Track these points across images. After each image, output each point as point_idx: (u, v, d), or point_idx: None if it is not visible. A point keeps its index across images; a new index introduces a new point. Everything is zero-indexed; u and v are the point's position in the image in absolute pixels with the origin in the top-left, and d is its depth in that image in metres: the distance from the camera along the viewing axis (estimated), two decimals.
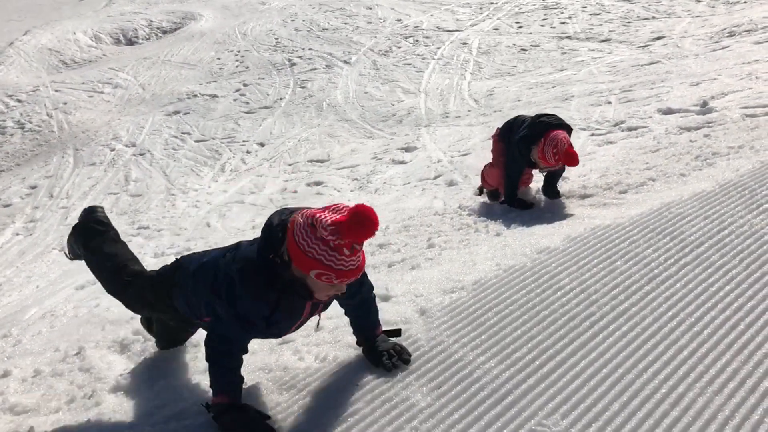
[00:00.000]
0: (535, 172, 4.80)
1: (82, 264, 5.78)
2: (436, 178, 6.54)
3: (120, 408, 2.66)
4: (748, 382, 2.48)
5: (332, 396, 2.50)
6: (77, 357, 3.27)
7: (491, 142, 5.04)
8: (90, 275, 5.30)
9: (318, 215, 2.06)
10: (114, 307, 4.14)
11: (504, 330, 2.80)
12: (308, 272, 2.09)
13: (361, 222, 1.97)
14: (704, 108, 6.35)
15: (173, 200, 7.58)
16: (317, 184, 7.16)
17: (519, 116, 4.86)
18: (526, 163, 4.58)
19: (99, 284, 4.92)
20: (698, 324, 2.78)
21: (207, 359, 2.35)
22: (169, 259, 5.25)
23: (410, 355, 2.61)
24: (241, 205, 6.98)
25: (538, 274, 3.21)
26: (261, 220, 6.37)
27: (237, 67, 12.22)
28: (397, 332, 2.71)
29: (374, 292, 2.65)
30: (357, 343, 2.69)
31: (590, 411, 2.36)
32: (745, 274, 3.12)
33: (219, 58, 12.75)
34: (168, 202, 7.55)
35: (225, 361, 2.33)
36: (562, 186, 4.93)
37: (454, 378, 2.52)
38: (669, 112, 6.58)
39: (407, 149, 7.80)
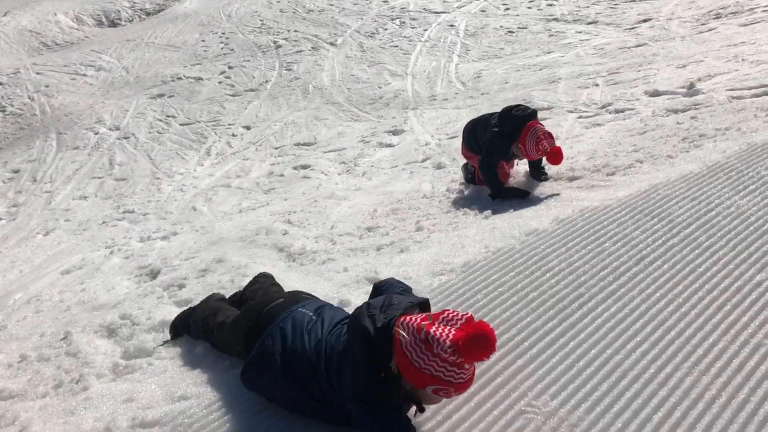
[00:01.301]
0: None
1: (66, 248, 5.75)
2: (424, 161, 6.51)
3: (108, 392, 2.64)
4: (734, 362, 2.50)
5: None
6: (64, 342, 3.25)
7: (464, 157, 5.07)
8: (75, 259, 5.27)
9: (432, 331, 1.95)
10: (101, 291, 4.12)
11: (493, 312, 2.80)
12: (424, 388, 2.00)
13: (481, 346, 1.90)
14: (691, 90, 6.36)
15: (158, 184, 7.50)
16: (304, 167, 7.11)
17: (477, 119, 4.86)
18: (501, 157, 4.56)
19: (85, 269, 4.90)
20: (686, 304, 2.80)
21: None
22: (156, 244, 5.25)
23: None
24: (228, 188, 6.92)
25: (527, 256, 3.21)
26: (247, 204, 6.35)
27: (222, 49, 12.07)
28: None
29: None
30: None
31: (579, 391, 2.37)
32: (731, 255, 3.14)
33: (203, 41, 12.59)
34: (153, 186, 7.47)
35: None
36: (550, 169, 4.93)
37: None
38: (656, 94, 6.58)
39: (395, 132, 7.76)
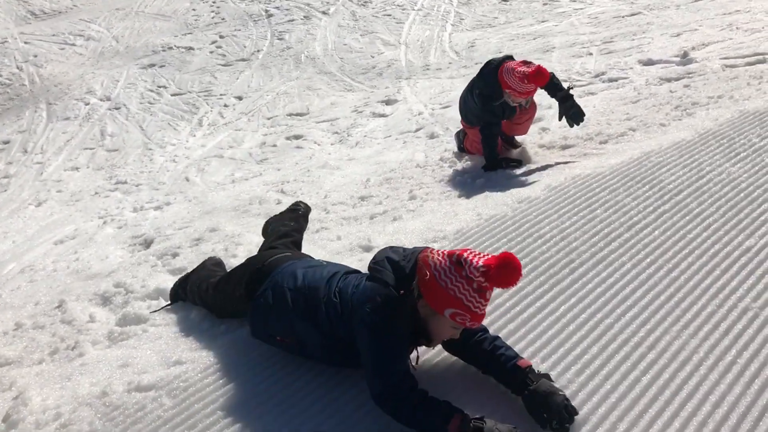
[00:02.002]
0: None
1: (59, 219, 5.74)
2: (417, 130, 6.49)
3: (104, 358, 2.66)
4: (722, 325, 2.54)
5: None
6: (58, 310, 3.26)
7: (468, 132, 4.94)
8: (67, 229, 5.27)
9: (465, 255, 2.05)
10: (94, 260, 4.12)
11: None
12: (443, 311, 2.06)
13: (510, 271, 2.00)
14: (685, 59, 6.34)
15: (150, 155, 7.46)
16: (297, 137, 7.08)
17: (465, 89, 4.77)
18: (500, 121, 4.48)
19: (78, 239, 4.90)
20: (675, 270, 2.84)
21: (395, 417, 2.10)
22: (149, 214, 5.25)
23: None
24: (220, 159, 6.89)
25: (519, 223, 3.23)
26: (240, 174, 6.33)
27: (213, 18, 11.91)
28: (546, 375, 2.22)
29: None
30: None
31: (569, 354, 2.41)
32: (722, 221, 3.17)
33: (194, 9, 12.41)
34: (145, 157, 7.43)
35: (409, 400, 2.06)
36: (543, 138, 4.94)
37: None
38: (650, 63, 6.56)
39: (388, 102, 7.72)
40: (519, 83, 4.17)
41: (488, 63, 4.45)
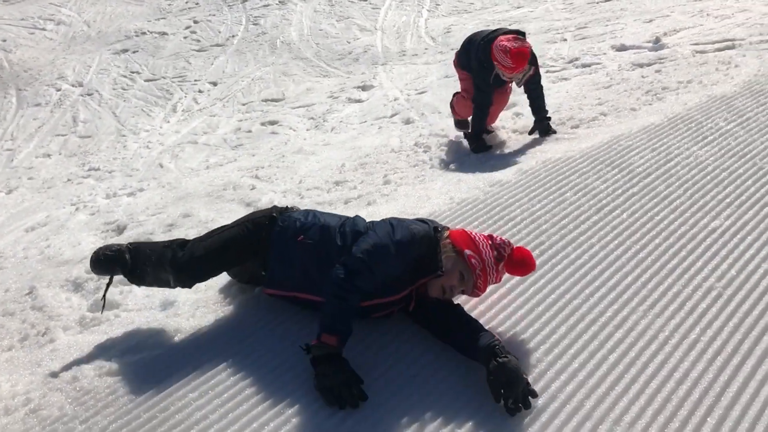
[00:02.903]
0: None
1: (30, 206, 5.66)
2: (392, 116, 6.49)
3: (75, 344, 2.65)
4: (687, 304, 2.61)
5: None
6: (29, 296, 3.23)
7: (457, 74, 4.89)
8: (39, 216, 5.20)
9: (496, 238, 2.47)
10: (66, 247, 4.08)
11: None
12: (464, 248, 2.37)
13: (525, 266, 2.46)
14: (657, 44, 6.40)
15: (124, 141, 7.37)
16: (272, 123, 7.03)
17: (471, 38, 4.67)
18: (492, 89, 4.48)
19: (49, 225, 4.84)
20: (643, 251, 2.89)
21: (328, 294, 2.25)
22: (122, 200, 5.20)
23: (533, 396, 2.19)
24: (195, 145, 6.82)
25: (491, 206, 3.26)
26: (215, 160, 6.30)
27: (186, 3, 11.74)
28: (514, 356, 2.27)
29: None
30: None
31: (538, 334, 2.45)
32: (688, 203, 3.24)
33: None
34: (119, 143, 7.34)
35: (351, 297, 2.24)
36: (517, 123, 4.97)
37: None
38: (623, 48, 6.62)
39: (364, 88, 7.70)
40: (504, 57, 4.17)
41: (490, 34, 4.45)
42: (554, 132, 4.47)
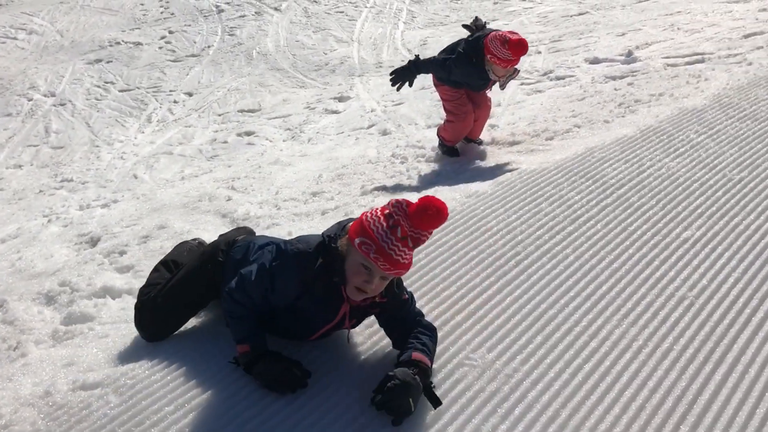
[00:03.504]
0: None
1: (1, 218, 5.56)
2: (369, 127, 6.52)
3: (48, 358, 2.60)
4: (660, 313, 2.65)
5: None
6: (0, 310, 3.17)
7: (437, 92, 4.81)
8: (10, 228, 5.11)
9: (397, 199, 2.12)
10: (38, 259, 4.02)
11: (434, 270, 2.87)
12: (354, 238, 2.08)
13: (425, 215, 2.04)
14: (629, 58, 6.52)
15: (98, 152, 7.29)
16: (248, 134, 7.02)
17: (446, 48, 4.61)
18: (478, 79, 4.35)
19: (21, 237, 4.77)
20: (617, 261, 2.93)
21: (225, 313, 2.35)
22: (96, 212, 5.14)
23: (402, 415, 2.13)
24: (170, 156, 6.78)
25: (467, 217, 3.29)
26: (190, 171, 6.25)
27: (162, 13, 11.68)
28: (434, 401, 2.18)
29: (431, 328, 2.38)
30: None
31: (515, 344, 2.47)
32: (661, 213, 3.29)
33: (142, 4, 12.15)
34: (92, 154, 7.26)
35: (233, 307, 2.29)
36: (492, 134, 5.01)
37: None
38: (596, 61, 6.73)
39: (340, 99, 7.72)
40: (500, 48, 4.08)
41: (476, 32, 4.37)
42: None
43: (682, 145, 3.97)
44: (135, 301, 2.90)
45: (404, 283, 2.44)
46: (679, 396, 2.26)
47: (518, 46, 4.07)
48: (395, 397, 2.09)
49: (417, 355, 2.21)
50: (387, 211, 2.08)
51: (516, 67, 4.25)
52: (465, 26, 4.64)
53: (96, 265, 3.64)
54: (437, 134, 4.85)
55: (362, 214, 2.15)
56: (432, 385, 2.20)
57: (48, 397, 2.30)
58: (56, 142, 7.70)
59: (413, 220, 2.05)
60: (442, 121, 4.84)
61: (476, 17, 4.70)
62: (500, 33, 4.16)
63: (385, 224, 2.06)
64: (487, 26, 4.52)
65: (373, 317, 2.41)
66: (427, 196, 2.08)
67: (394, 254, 2.06)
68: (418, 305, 2.50)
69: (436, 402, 2.16)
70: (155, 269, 2.82)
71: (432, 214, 2.04)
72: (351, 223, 2.19)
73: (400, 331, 2.34)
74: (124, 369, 2.41)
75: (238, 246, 2.57)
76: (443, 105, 4.76)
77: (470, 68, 4.32)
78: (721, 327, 2.57)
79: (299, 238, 2.35)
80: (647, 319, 2.61)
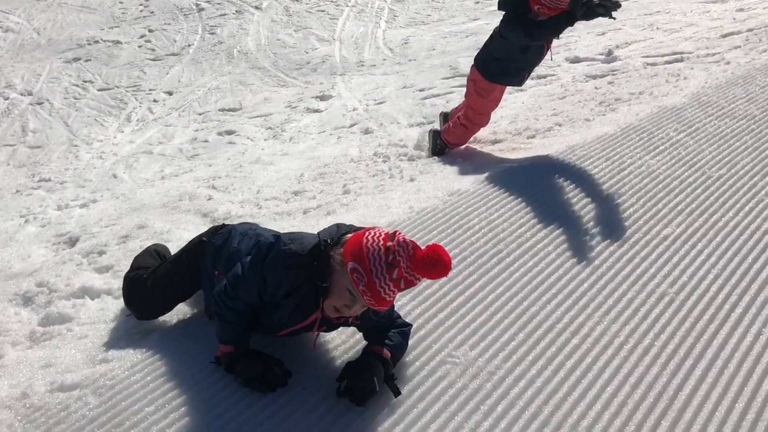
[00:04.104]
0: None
1: None
2: (351, 126, 6.49)
3: (25, 359, 2.56)
4: (641, 310, 2.67)
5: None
6: None
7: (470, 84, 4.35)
8: None
9: (400, 235, 2.02)
10: (15, 260, 3.96)
11: None
12: (348, 262, 2.01)
13: (432, 267, 1.96)
14: (609, 57, 6.57)
15: (76, 151, 7.19)
16: (229, 133, 6.96)
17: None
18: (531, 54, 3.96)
19: None
20: (598, 258, 2.95)
21: (213, 312, 2.35)
22: (74, 212, 5.07)
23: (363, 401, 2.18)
24: (149, 155, 6.70)
25: (449, 215, 3.29)
26: (170, 171, 6.20)
27: (141, 11, 11.57)
28: (396, 389, 2.23)
29: (403, 326, 2.38)
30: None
31: (497, 341, 2.47)
32: (641, 211, 3.32)
33: (121, 2, 12.02)
34: (71, 154, 7.16)
35: (226, 313, 2.28)
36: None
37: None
38: (576, 60, 6.77)
39: (322, 98, 7.69)
40: None
41: None
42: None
43: (661, 143, 4.00)
44: (114, 301, 2.89)
45: None
46: (660, 391, 2.28)
47: None
48: (359, 378, 2.15)
49: (378, 348, 2.25)
50: (389, 245, 1.98)
51: None
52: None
53: (74, 266, 3.58)
54: (441, 136, 4.54)
55: (363, 235, 2.05)
56: (393, 377, 2.23)
57: (25, 399, 2.27)
58: (33, 142, 7.59)
59: (417, 268, 1.97)
60: (450, 124, 4.51)
61: None
62: None
63: (383, 258, 1.97)
64: None
65: None
66: (435, 246, 1.99)
67: (383, 292, 2.00)
68: (399, 302, 2.50)
69: (396, 392, 2.20)
70: (142, 255, 2.89)
71: (440, 267, 1.97)
72: (349, 236, 2.10)
73: (374, 329, 2.34)
74: (103, 369, 2.37)
75: (219, 233, 2.59)
76: (467, 105, 4.33)
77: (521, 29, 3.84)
78: (701, 323, 2.60)
79: (292, 236, 2.28)
80: (628, 316, 2.63)
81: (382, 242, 2.00)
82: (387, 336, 2.30)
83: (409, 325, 2.41)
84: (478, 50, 4.33)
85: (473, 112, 4.28)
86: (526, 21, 3.82)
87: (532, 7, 3.80)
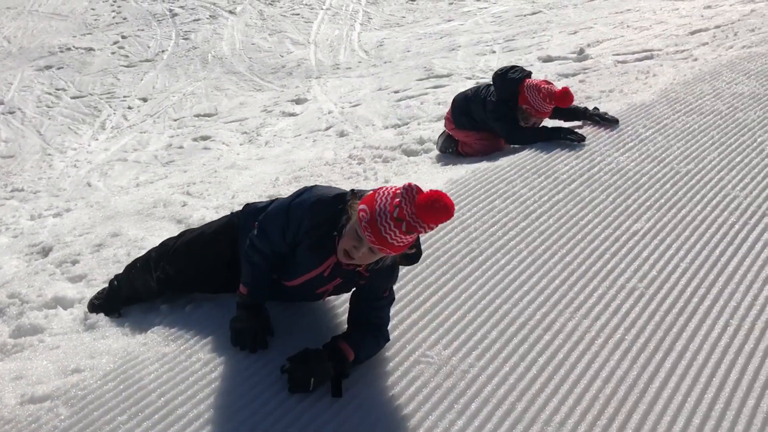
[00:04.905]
0: None
1: None
2: (327, 129, 6.51)
3: (6, 370, 2.53)
4: (612, 305, 2.70)
5: None
6: None
7: (448, 131, 4.64)
8: None
9: (413, 185, 2.08)
10: None
11: None
12: (360, 205, 2.12)
13: (432, 210, 2.00)
14: (581, 55, 6.66)
15: (50, 160, 7.13)
16: (204, 138, 6.94)
17: (467, 94, 4.51)
18: (513, 121, 4.23)
19: None
20: (569, 255, 2.98)
21: (243, 255, 2.44)
22: (48, 221, 5.02)
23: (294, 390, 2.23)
24: (124, 162, 6.67)
25: None
26: (145, 178, 6.16)
27: (114, 18, 11.49)
28: (336, 389, 2.25)
29: (385, 336, 2.42)
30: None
31: (470, 340, 2.49)
32: (611, 207, 3.36)
33: (93, 9, 11.94)
34: (44, 163, 7.10)
35: (251, 253, 2.38)
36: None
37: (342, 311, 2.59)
38: (549, 59, 6.84)
39: (298, 101, 7.70)
40: (541, 102, 4.06)
41: (510, 71, 4.25)
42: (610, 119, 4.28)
43: (631, 139, 4.06)
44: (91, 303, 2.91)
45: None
46: (631, 385, 2.31)
47: (565, 98, 4.03)
48: (299, 369, 2.21)
49: (344, 345, 2.28)
50: (398, 191, 2.07)
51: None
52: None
53: (47, 276, 3.55)
54: (458, 149, 4.61)
55: (381, 187, 2.18)
56: (345, 376, 2.26)
57: None
58: (6, 152, 7.51)
59: (417, 209, 2.01)
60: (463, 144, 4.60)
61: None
62: (538, 86, 4.06)
63: (389, 201, 2.05)
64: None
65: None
66: (438, 191, 2.03)
67: (383, 231, 2.05)
68: None
69: (336, 391, 2.22)
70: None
71: (438, 208, 2.00)
72: (369, 194, 2.20)
73: (359, 315, 2.39)
74: (74, 380, 2.35)
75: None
76: (462, 139, 4.56)
77: (504, 110, 4.22)
78: (671, 316, 2.64)
79: (321, 187, 2.41)
80: (599, 311, 2.66)
81: (393, 189, 2.11)
82: (361, 335, 2.33)
83: (387, 339, 2.43)
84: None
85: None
86: (510, 122, 4.21)
87: (521, 104, 4.12)
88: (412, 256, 2.30)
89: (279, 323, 2.49)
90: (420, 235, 2.17)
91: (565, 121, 4.38)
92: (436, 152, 4.71)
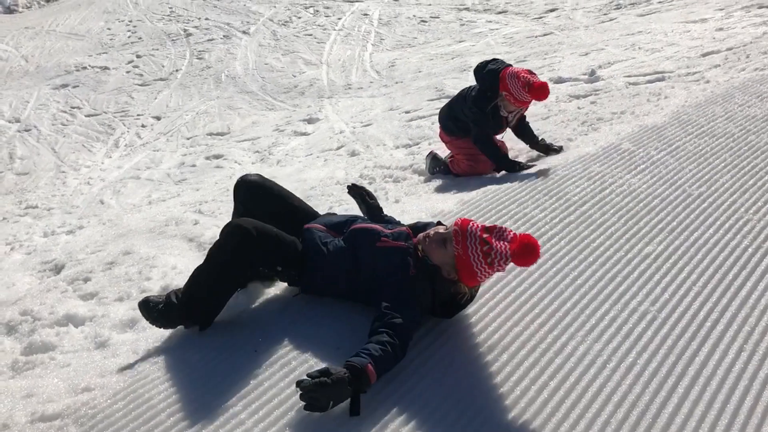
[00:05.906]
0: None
1: None
2: (338, 148, 6.54)
3: (6, 390, 2.54)
4: (623, 328, 2.67)
5: None
6: None
7: (443, 143, 4.74)
8: None
9: (496, 227, 2.58)
10: None
11: None
12: (447, 250, 2.56)
13: (529, 252, 2.45)
14: (592, 77, 6.66)
15: (64, 178, 7.21)
16: (217, 157, 7.00)
17: (451, 99, 4.59)
18: (492, 126, 4.31)
19: None
20: (580, 277, 2.96)
21: (391, 344, 2.36)
22: (60, 238, 5.07)
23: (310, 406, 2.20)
24: (137, 180, 6.73)
25: None
26: (158, 196, 6.21)
27: (129, 37, 11.67)
28: (355, 408, 2.24)
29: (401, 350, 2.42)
30: None
31: (482, 362, 2.47)
32: (623, 229, 3.34)
33: (109, 29, 12.13)
34: (58, 180, 7.18)
35: (401, 355, 2.41)
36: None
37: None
38: (560, 81, 6.85)
39: (309, 121, 7.75)
40: (520, 89, 4.05)
41: (489, 63, 4.28)
42: (557, 148, 4.47)
43: (642, 161, 4.04)
44: (98, 328, 2.89)
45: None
46: (643, 410, 2.28)
47: (540, 91, 4.05)
48: (318, 393, 2.15)
49: (370, 369, 2.25)
50: (488, 237, 2.52)
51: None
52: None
53: (59, 293, 3.57)
54: (450, 167, 4.67)
55: (468, 229, 2.55)
56: (363, 391, 2.24)
57: (5, 431, 2.25)
58: (21, 169, 7.60)
59: (519, 260, 2.48)
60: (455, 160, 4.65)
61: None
62: (518, 73, 4.07)
63: (482, 250, 2.51)
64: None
65: None
66: (524, 239, 2.49)
67: (483, 271, 2.55)
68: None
69: (354, 411, 2.21)
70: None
71: (532, 256, 2.48)
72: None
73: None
74: (84, 398, 2.36)
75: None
76: (452, 150, 4.64)
77: (486, 111, 4.25)
78: (683, 340, 2.61)
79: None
80: (611, 334, 2.64)
81: (480, 232, 2.54)
82: (384, 346, 2.33)
83: (404, 355, 2.44)
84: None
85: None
86: (484, 124, 4.30)
87: (501, 91, 4.15)
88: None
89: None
90: None
91: (527, 144, 4.59)
92: (445, 174, 4.71)
